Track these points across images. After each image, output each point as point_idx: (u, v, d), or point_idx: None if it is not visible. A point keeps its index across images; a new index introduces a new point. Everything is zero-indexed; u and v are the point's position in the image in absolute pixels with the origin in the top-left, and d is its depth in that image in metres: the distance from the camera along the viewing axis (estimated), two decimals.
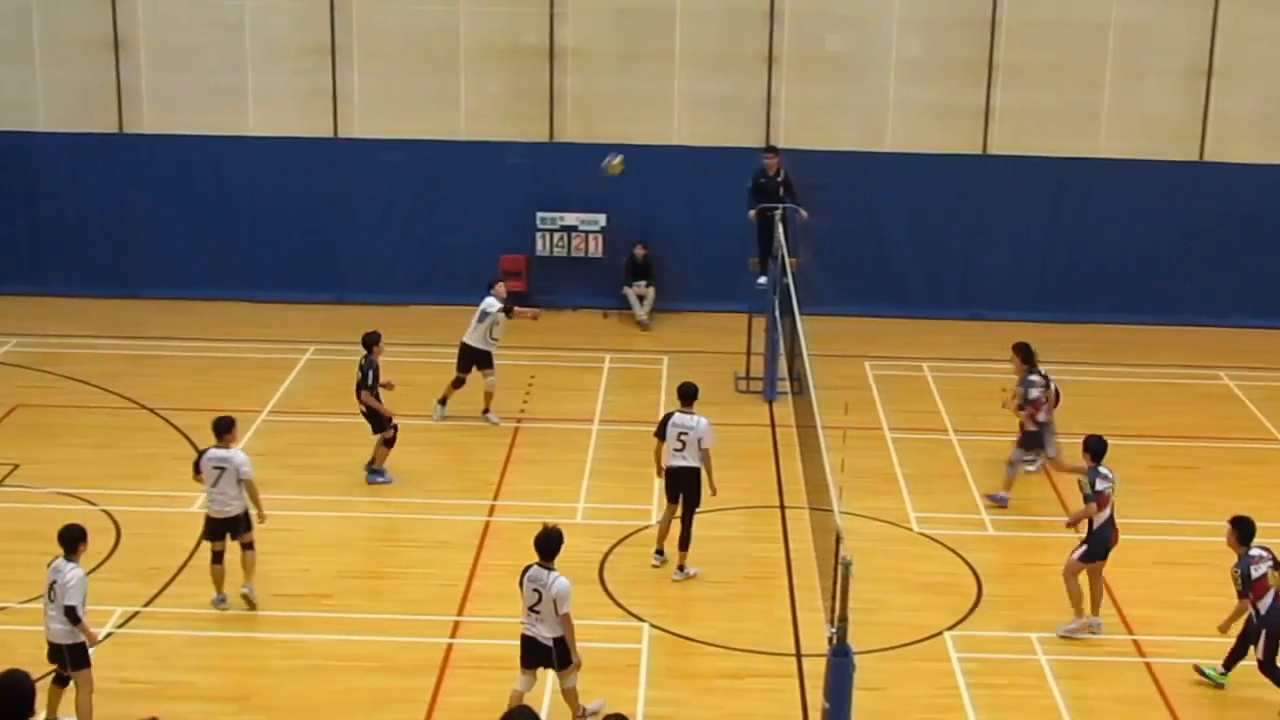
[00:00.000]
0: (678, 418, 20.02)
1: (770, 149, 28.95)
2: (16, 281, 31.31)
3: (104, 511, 21.55)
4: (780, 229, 25.98)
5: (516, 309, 25.42)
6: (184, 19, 31.02)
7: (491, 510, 22.09)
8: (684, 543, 20.01)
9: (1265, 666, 17.22)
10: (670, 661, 18.13)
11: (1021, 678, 17.99)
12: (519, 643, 16.37)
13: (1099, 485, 18.65)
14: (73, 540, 16.12)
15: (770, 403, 25.59)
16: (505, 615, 18.88)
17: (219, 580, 18.90)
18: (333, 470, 23.40)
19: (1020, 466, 22.69)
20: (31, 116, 31.22)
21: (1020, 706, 17.42)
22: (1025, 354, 22.58)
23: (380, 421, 22.99)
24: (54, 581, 15.97)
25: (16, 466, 23.12)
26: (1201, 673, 17.85)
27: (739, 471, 22.40)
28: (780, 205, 26.97)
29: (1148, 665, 18.29)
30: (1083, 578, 18.88)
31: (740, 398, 26.43)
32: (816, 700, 16.11)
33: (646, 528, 21.46)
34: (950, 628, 18.96)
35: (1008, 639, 18.80)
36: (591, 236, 31.12)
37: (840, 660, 14.80)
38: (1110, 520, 18.71)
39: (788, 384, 25.93)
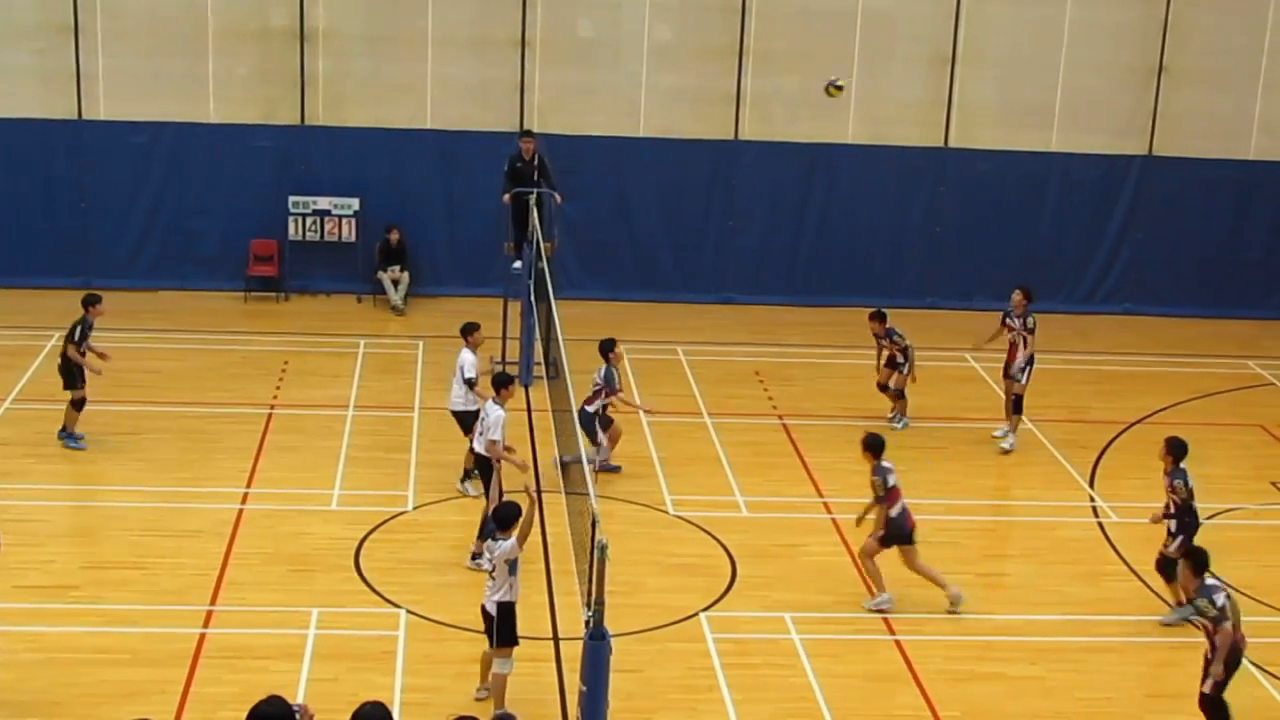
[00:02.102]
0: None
1: (526, 133, 28.97)
2: None
3: None
4: (535, 213, 26.02)
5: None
6: None
7: (244, 498, 21.81)
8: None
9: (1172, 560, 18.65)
10: (427, 648, 18.08)
11: (775, 657, 18.25)
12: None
13: (890, 481, 19.16)
14: None
15: (526, 387, 25.63)
16: (259, 605, 18.77)
17: None
18: (79, 460, 22.95)
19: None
20: None
21: (774, 685, 17.67)
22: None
23: (72, 379, 22.98)
24: None
25: None
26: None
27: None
28: (535, 190, 27.01)
29: (897, 642, 18.66)
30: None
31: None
32: (574, 683, 16.20)
33: (402, 514, 21.38)
34: (705, 609, 19.18)
35: (761, 619, 19.07)
36: (345, 220, 30.85)
37: (597, 643, 14.90)
38: (904, 509, 19.23)
39: (543, 369, 26.00)
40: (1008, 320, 24.82)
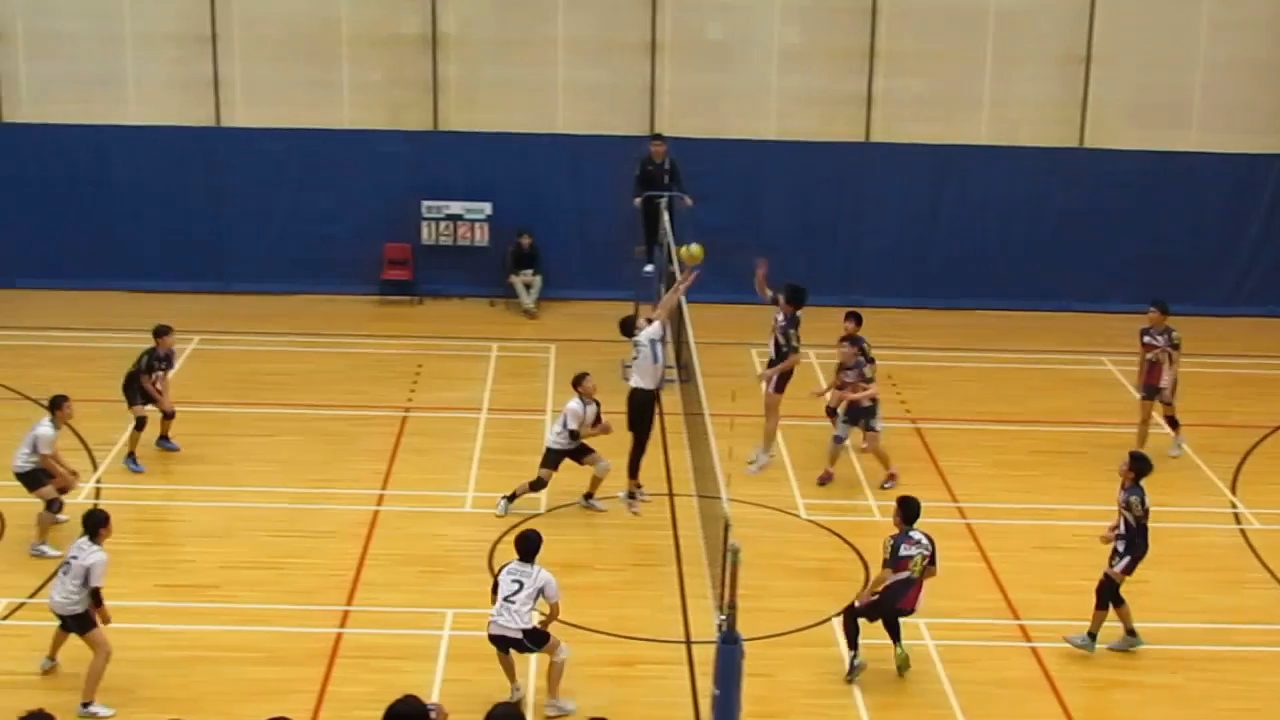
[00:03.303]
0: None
1: (657, 136, 29.00)
2: None
3: None
4: (666, 216, 26.03)
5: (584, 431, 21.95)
6: (62, 7, 30.59)
7: (379, 500, 22.01)
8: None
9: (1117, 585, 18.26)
10: None
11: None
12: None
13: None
14: (94, 525, 16.93)
15: (658, 391, 25.61)
16: (393, 605, 18.92)
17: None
18: (217, 460, 23.25)
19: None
20: None
21: (907, 691, 17.57)
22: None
23: (132, 398, 22.81)
24: (74, 557, 16.72)
25: None
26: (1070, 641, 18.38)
27: (626, 460, 22.41)
28: (666, 193, 27.02)
29: (1033, 650, 18.51)
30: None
31: (626, 385, 26.42)
32: (705, 687, 16.19)
33: (534, 516, 21.47)
34: (838, 613, 19.08)
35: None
36: (477, 225, 31.03)
37: (729, 647, 14.88)
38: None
39: (674, 372, 26.00)
40: (1147, 338, 24.23)
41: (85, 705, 16.59)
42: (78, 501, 21.24)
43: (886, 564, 17.66)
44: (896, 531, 17.82)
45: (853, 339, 23.48)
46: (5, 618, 18.42)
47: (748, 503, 21.70)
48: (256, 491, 22.30)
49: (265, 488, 22.40)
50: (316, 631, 18.37)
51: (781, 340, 23.23)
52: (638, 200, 27.86)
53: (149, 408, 22.94)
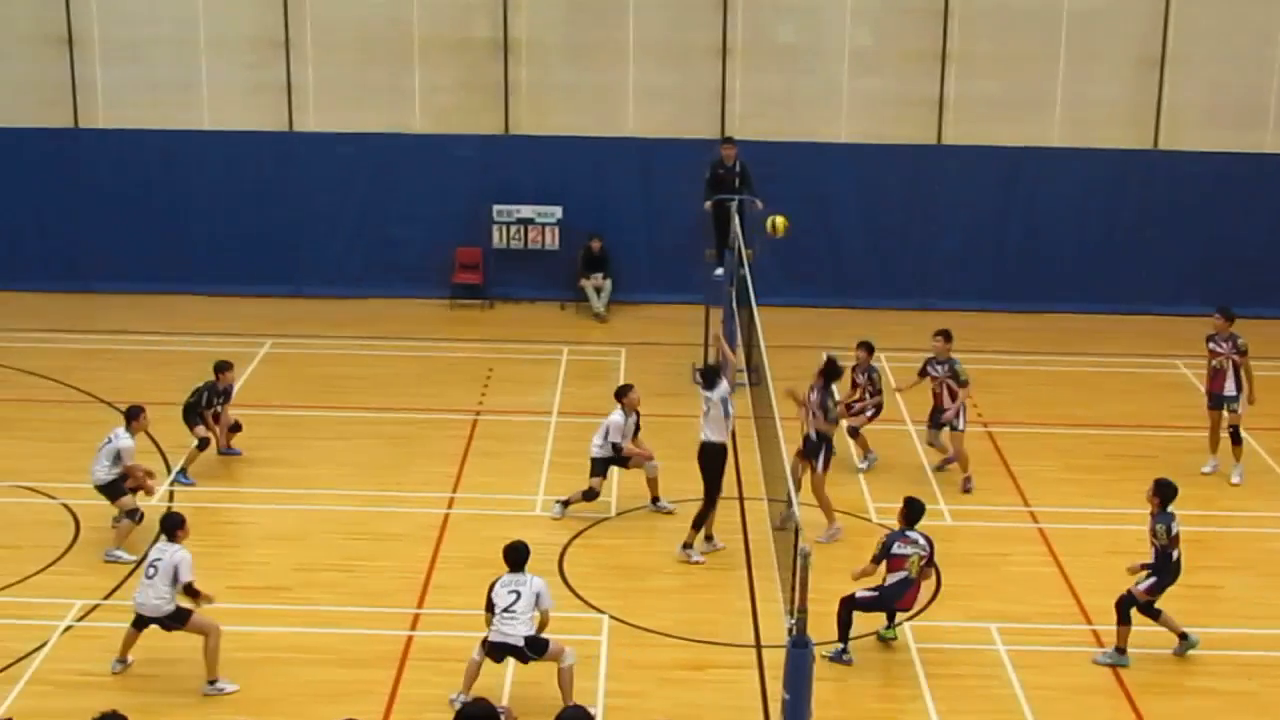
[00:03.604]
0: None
1: (728, 139, 28.96)
2: None
3: (62, 505, 21.50)
4: (736, 220, 26.01)
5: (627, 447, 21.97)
6: (137, 14, 30.90)
7: (450, 503, 22.08)
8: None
9: (1143, 604, 17.97)
10: (630, 653, 18.14)
11: (979, 668, 18.05)
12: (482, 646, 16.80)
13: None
14: (172, 527, 17.40)
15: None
16: (464, 608, 18.93)
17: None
18: (289, 463, 23.38)
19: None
20: None
21: (978, 696, 17.48)
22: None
23: (192, 421, 22.93)
24: (157, 559, 17.15)
25: None
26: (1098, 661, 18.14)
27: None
28: (736, 196, 27.00)
29: None
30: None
31: (697, 389, 26.42)
32: (776, 691, 16.17)
33: (604, 520, 21.49)
34: (909, 618, 19.01)
35: (965, 629, 18.87)
36: (547, 229, 31.11)
37: (799, 651, 14.84)
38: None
39: (745, 375, 25.95)
40: (1212, 344, 23.95)
41: (211, 683, 17.07)
42: (153, 503, 21.44)
43: (875, 559, 17.98)
44: (895, 528, 18.17)
45: (868, 371, 23.54)
46: (80, 619, 18.57)
47: (819, 506, 21.64)
48: (328, 494, 22.40)
49: (337, 490, 22.50)
50: (387, 634, 18.44)
51: (819, 415, 21.31)
52: (708, 203, 27.83)
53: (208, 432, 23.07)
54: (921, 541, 18.04)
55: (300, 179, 31.25)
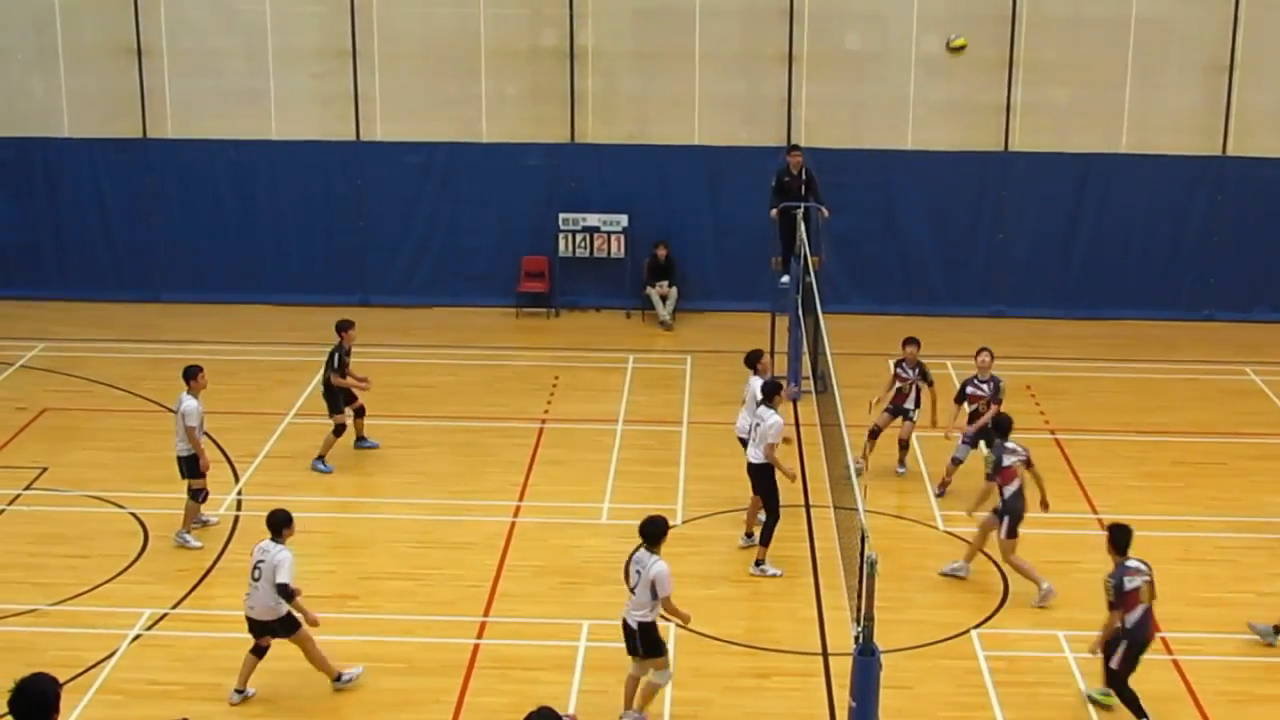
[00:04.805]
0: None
1: (794, 147, 28.92)
2: (42, 286, 31.54)
3: (131, 514, 21.67)
4: (802, 228, 25.99)
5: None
6: (205, 24, 31.13)
7: (516, 511, 22.13)
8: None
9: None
10: (696, 661, 18.13)
11: (1048, 675, 17.97)
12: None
13: (1006, 460, 19.34)
14: (278, 524, 17.08)
15: (794, 402, 25.58)
16: (530, 616, 19.00)
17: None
18: (357, 472, 23.50)
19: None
20: (56, 123, 31.41)
21: (1047, 704, 17.40)
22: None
23: (336, 404, 23.49)
24: (260, 561, 16.86)
25: (44, 470, 23.24)
26: (1092, 699, 17.32)
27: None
28: (802, 204, 26.98)
29: (1175, 663, 18.22)
30: (1021, 552, 19.44)
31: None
32: (843, 699, 16.11)
33: (671, 527, 21.43)
34: (976, 626, 18.95)
35: (1034, 636, 18.78)
36: (613, 237, 31.15)
37: (866, 659, 14.80)
38: (1019, 491, 19.35)
39: (811, 383, 25.91)
40: None
41: (338, 678, 17.28)
42: (220, 513, 21.59)
43: (1112, 605, 16.56)
44: (1113, 566, 16.78)
45: (918, 366, 23.34)
46: (149, 628, 18.70)
47: (885, 514, 21.60)
48: (395, 503, 22.51)
49: (404, 499, 22.60)
50: (454, 642, 18.49)
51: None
52: (774, 211, 27.81)
53: (349, 410, 23.69)
54: (1144, 568, 16.85)
55: (368, 188, 31.40)
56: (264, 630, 17.03)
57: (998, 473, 19.34)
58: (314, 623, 17.03)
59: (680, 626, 17.87)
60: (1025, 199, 31.12)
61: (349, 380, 23.58)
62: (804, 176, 27.98)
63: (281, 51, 31.09)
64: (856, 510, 15.75)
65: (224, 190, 31.39)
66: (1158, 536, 21.39)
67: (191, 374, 21.02)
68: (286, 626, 16.99)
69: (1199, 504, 22.64)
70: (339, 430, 23.53)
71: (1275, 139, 30.80)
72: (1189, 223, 31.09)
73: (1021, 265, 31.24)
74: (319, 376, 24.18)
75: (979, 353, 22.96)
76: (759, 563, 20.32)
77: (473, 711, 17.07)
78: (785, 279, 26.80)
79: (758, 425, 20.19)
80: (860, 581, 14.78)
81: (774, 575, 20.21)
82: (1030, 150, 30.95)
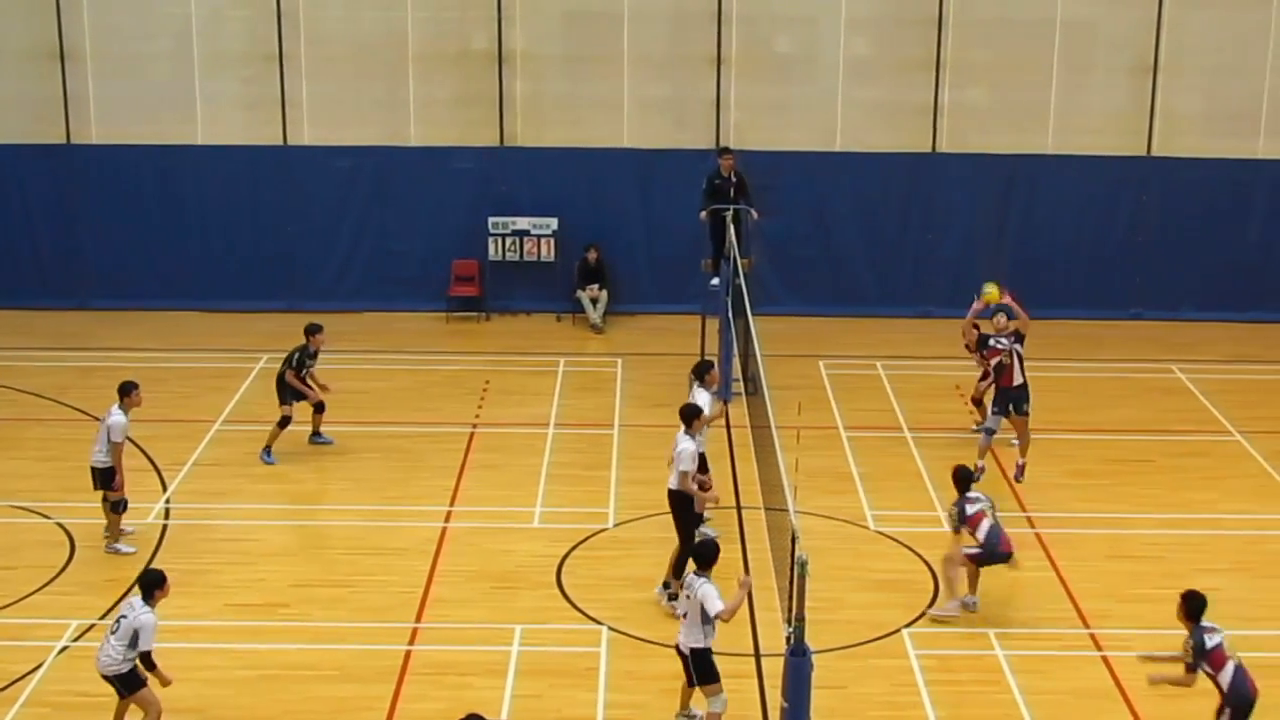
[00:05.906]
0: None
1: (725, 150, 28.98)
2: None
3: (58, 524, 21.47)
4: (732, 230, 26.02)
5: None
6: (130, 29, 30.87)
7: (448, 516, 22.05)
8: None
9: None
10: (629, 664, 18.12)
11: (980, 674, 18.05)
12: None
13: (970, 509, 19.10)
14: (149, 585, 16.24)
15: (725, 403, 25.61)
16: (463, 621, 18.96)
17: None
18: (287, 479, 23.37)
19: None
20: None
21: (979, 703, 17.48)
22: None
23: (284, 398, 23.81)
24: (123, 617, 16.06)
25: None
26: None
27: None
28: (732, 206, 27.01)
29: (1104, 659, 18.36)
30: (962, 571, 19.25)
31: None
32: (775, 700, 16.15)
33: (603, 531, 21.48)
34: (908, 625, 19.01)
35: (965, 635, 18.84)
36: (543, 240, 31.09)
37: (798, 660, 14.84)
38: (993, 529, 19.04)
39: (742, 385, 25.97)
40: None
41: None
42: (148, 522, 21.43)
43: (1190, 668, 15.96)
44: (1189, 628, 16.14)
45: (1009, 334, 23.29)
46: (76, 639, 18.53)
47: (816, 514, 21.64)
48: (327, 509, 22.44)
49: (336, 505, 22.52)
50: (387, 649, 18.40)
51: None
52: (704, 214, 27.84)
53: (296, 405, 23.89)
54: (1220, 629, 16.16)
55: (296, 193, 31.21)
56: (108, 681, 16.18)
57: (964, 523, 19.12)
58: (165, 682, 16.22)
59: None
60: (954, 200, 31.25)
61: (300, 383, 23.75)
62: (734, 179, 28.03)
63: (207, 56, 30.87)
64: (788, 511, 15.79)
65: (151, 196, 31.12)
66: (1086, 534, 21.59)
67: (127, 390, 20.84)
68: (126, 684, 16.09)
69: (1127, 502, 22.78)
70: (283, 422, 23.62)
71: (1200, 139, 31.04)
72: (1115, 223, 31.31)
73: (950, 266, 31.33)
74: (249, 382, 24.03)
75: (994, 315, 23.45)
76: (666, 586, 19.42)
77: (406, 718, 17.00)
78: (716, 281, 26.85)
79: (674, 451, 19.27)
80: (791, 582, 14.81)
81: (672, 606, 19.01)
82: (958, 151, 31.09)
